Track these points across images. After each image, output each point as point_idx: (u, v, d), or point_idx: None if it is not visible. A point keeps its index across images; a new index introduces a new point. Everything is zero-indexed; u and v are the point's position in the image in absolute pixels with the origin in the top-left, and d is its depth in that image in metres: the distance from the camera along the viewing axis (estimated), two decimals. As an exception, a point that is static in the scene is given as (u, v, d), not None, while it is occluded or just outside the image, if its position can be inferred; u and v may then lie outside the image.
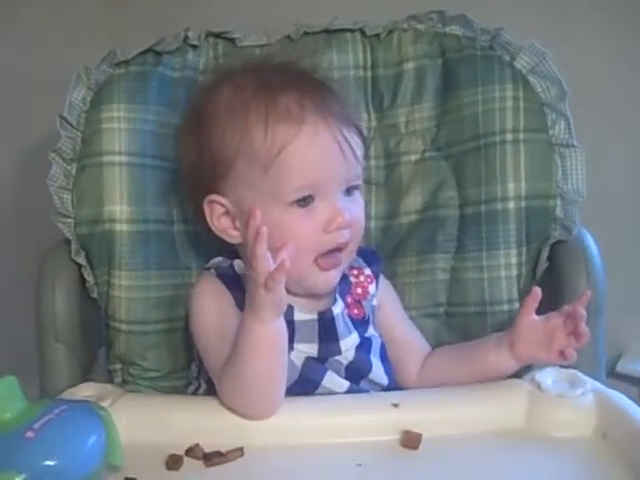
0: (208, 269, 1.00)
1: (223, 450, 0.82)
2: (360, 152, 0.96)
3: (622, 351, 1.43)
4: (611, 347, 1.24)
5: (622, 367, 1.40)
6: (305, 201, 0.92)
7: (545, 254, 1.06)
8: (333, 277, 0.96)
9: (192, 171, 0.99)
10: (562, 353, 0.90)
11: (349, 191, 0.96)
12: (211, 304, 0.95)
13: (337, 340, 0.96)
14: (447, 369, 1.00)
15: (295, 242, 0.86)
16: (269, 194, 0.92)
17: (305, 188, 0.92)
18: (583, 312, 0.89)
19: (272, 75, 0.97)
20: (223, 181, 0.95)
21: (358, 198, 0.98)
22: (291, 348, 0.93)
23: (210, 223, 0.97)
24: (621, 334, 1.41)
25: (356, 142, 0.95)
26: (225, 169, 0.94)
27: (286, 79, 0.95)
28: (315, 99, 0.92)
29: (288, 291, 0.84)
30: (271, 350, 0.85)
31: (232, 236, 0.97)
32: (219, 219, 0.97)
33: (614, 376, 1.34)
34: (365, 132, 1.13)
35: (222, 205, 0.96)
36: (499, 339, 0.96)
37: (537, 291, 0.93)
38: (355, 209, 0.96)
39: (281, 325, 0.85)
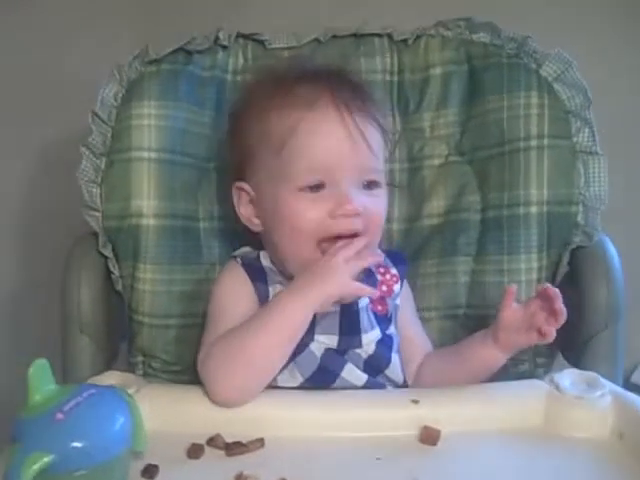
0: (234, 257, 1.02)
1: (244, 440, 0.83)
2: (377, 145, 0.98)
3: (638, 362, 1.44)
4: (626, 358, 1.24)
5: (637, 378, 1.41)
6: (316, 187, 0.94)
7: (566, 259, 1.07)
8: None
9: (229, 159, 1.04)
10: (540, 331, 0.91)
11: (369, 186, 0.97)
12: (231, 288, 0.98)
13: (359, 333, 0.98)
14: (440, 369, 1.01)
15: (299, 225, 0.92)
16: (282, 177, 0.95)
17: (314, 171, 0.94)
18: (556, 291, 0.90)
19: (297, 67, 1.01)
20: (248, 168, 1.00)
21: (380, 194, 0.98)
22: (311, 339, 0.95)
23: (237, 210, 1.02)
24: (636, 345, 1.42)
25: (372, 134, 0.96)
26: (249, 156, 0.99)
27: (308, 71, 0.99)
28: (331, 89, 0.95)
29: None
30: (293, 337, 0.89)
31: (255, 224, 1.01)
32: (246, 207, 1.01)
33: (629, 387, 1.34)
34: (390, 135, 1.15)
35: (246, 192, 1.00)
36: (484, 334, 0.97)
37: (512, 288, 0.94)
38: (372, 203, 0.96)
39: (309, 319, 0.90)
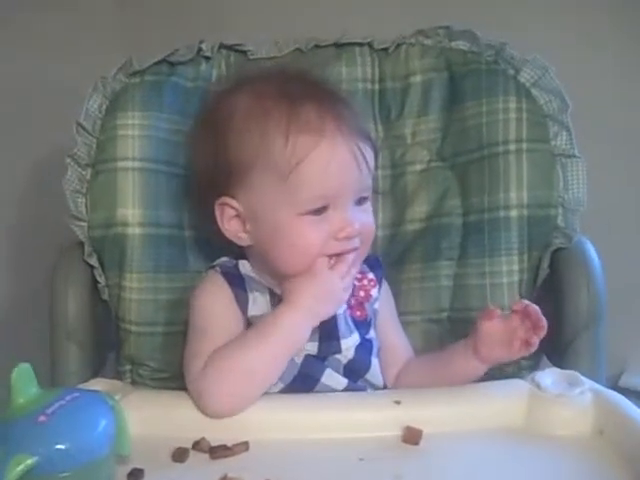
0: (213, 267, 1.02)
1: (228, 444, 0.84)
2: (372, 164, 0.99)
3: (625, 366, 1.45)
4: (614, 362, 1.25)
5: (625, 382, 1.41)
6: (319, 211, 0.94)
7: (546, 261, 1.08)
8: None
9: (205, 173, 1.01)
10: (525, 342, 0.92)
11: (360, 201, 0.98)
12: (213, 297, 0.98)
13: (338, 339, 0.99)
14: (421, 377, 1.01)
15: (302, 246, 0.93)
16: (284, 202, 0.94)
17: (321, 198, 0.94)
18: (535, 308, 0.91)
19: (291, 84, 0.99)
20: (237, 185, 0.97)
21: (369, 207, 1.00)
22: None
23: (220, 225, 0.99)
24: (624, 349, 1.43)
25: (370, 154, 0.97)
26: (240, 173, 0.96)
27: (305, 89, 0.98)
28: (333, 111, 0.95)
29: None
30: (294, 352, 0.93)
31: (241, 238, 0.99)
32: (229, 221, 0.99)
33: (617, 391, 1.35)
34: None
35: (233, 208, 0.98)
36: (465, 345, 0.97)
37: (495, 311, 0.94)
38: (365, 218, 0.98)
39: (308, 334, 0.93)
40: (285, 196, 0.94)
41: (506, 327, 0.93)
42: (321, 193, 0.93)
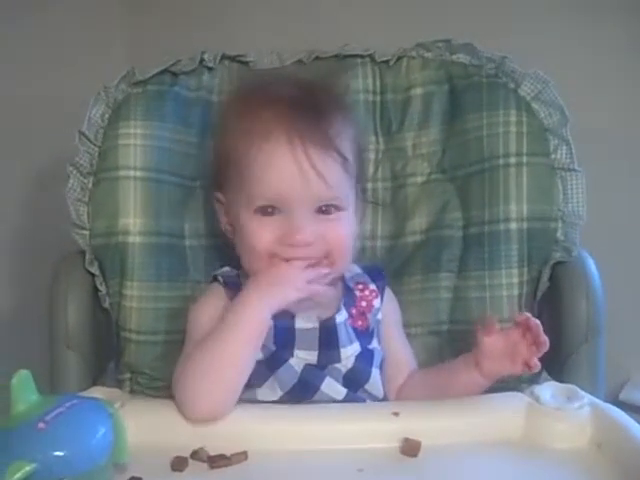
0: (216, 277, 1.03)
1: (227, 454, 0.84)
2: (334, 175, 0.97)
3: (625, 380, 1.44)
4: (614, 376, 1.25)
5: (625, 396, 1.41)
6: (267, 211, 0.96)
7: (546, 275, 1.08)
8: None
9: (209, 170, 1.07)
10: (527, 364, 0.91)
11: (326, 210, 0.97)
12: (208, 309, 0.99)
13: (338, 348, 0.99)
14: (423, 390, 1.01)
15: (252, 243, 0.96)
16: (242, 196, 0.98)
17: (263, 199, 0.96)
18: (537, 322, 0.91)
19: (273, 88, 1.02)
20: (221, 178, 1.03)
21: (339, 218, 0.99)
22: (291, 355, 0.97)
23: (219, 219, 1.05)
24: (624, 363, 1.43)
25: (328, 165, 0.96)
26: (222, 167, 1.02)
27: (276, 94, 1.00)
28: (289, 119, 0.95)
29: None
30: (253, 340, 0.92)
31: (228, 231, 1.04)
32: (222, 216, 1.05)
33: (617, 405, 1.35)
34: (373, 155, 1.19)
35: (221, 203, 1.04)
36: (465, 360, 0.97)
37: (494, 322, 0.94)
38: (329, 228, 0.97)
39: (268, 322, 0.93)
40: (241, 190, 0.98)
41: (507, 341, 0.93)
42: (265, 193, 0.96)
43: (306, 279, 0.95)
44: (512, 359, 0.92)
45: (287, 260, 0.96)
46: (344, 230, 1.00)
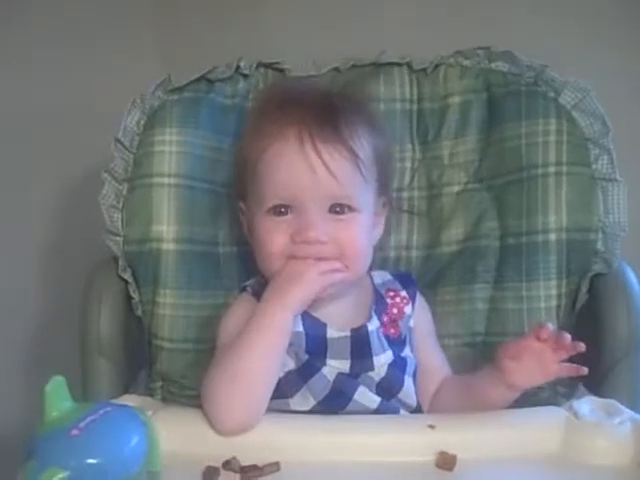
0: (245, 288, 1.04)
1: (259, 464, 0.83)
2: (345, 173, 0.96)
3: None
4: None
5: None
6: (280, 211, 0.96)
7: (585, 287, 1.07)
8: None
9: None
10: (567, 369, 0.89)
11: (337, 210, 0.97)
12: (236, 319, 0.98)
13: (371, 356, 0.98)
14: (453, 400, 1.00)
15: (266, 245, 0.96)
16: (255, 199, 0.99)
17: (277, 198, 0.96)
18: (549, 327, 0.89)
19: (288, 92, 1.04)
20: (243, 185, 1.03)
21: (353, 219, 0.98)
22: (323, 364, 0.96)
23: (242, 227, 1.07)
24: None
25: (339, 162, 0.96)
26: (242, 174, 1.03)
27: (291, 97, 1.01)
28: (299, 117, 0.96)
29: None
30: (278, 344, 0.93)
31: (249, 238, 1.05)
32: (244, 223, 1.06)
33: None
34: (409, 164, 1.18)
35: (242, 209, 1.05)
36: (491, 375, 0.94)
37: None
38: (341, 228, 0.97)
39: (291, 323, 0.94)
40: (254, 192, 0.99)
41: (532, 351, 0.90)
42: (275, 193, 0.96)
43: (319, 271, 0.95)
44: (541, 368, 0.90)
45: (301, 259, 0.95)
46: (357, 231, 0.99)
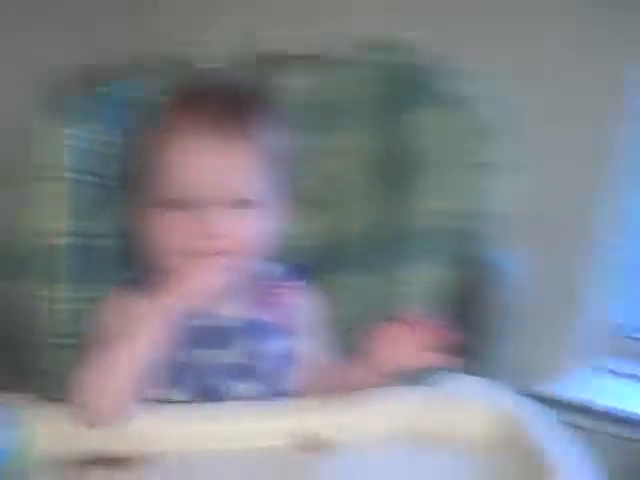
0: (122, 282, 1.05)
1: (127, 457, 0.87)
2: (248, 168, 0.98)
3: (537, 374, 1.45)
4: (527, 369, 1.25)
5: (538, 389, 1.41)
6: (179, 206, 0.97)
7: (459, 271, 1.09)
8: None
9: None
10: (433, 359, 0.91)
11: (241, 205, 0.98)
12: (116, 315, 1.00)
13: (254, 346, 1.02)
14: (328, 386, 1.01)
15: (162, 243, 0.97)
16: (153, 195, 0.99)
17: (174, 193, 0.97)
18: (417, 312, 0.94)
19: (184, 87, 1.04)
20: (135, 180, 1.04)
21: (253, 214, 1.00)
22: (204, 354, 1.00)
23: (131, 220, 1.06)
24: (537, 356, 1.43)
25: (241, 158, 0.98)
26: (139, 171, 1.03)
27: (192, 91, 1.02)
28: (198, 112, 0.97)
29: None
30: (154, 344, 0.93)
31: (139, 232, 1.04)
32: (133, 216, 1.05)
33: (533, 397, 1.34)
34: (306, 153, 1.16)
35: (133, 203, 1.05)
36: (361, 359, 0.96)
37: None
38: (244, 223, 0.98)
39: (174, 320, 0.94)
40: (153, 189, 1.00)
41: (396, 339, 0.93)
42: (173, 188, 0.97)
43: (219, 267, 0.96)
44: (409, 353, 0.92)
45: (198, 255, 0.97)
46: (257, 225, 1.00)
